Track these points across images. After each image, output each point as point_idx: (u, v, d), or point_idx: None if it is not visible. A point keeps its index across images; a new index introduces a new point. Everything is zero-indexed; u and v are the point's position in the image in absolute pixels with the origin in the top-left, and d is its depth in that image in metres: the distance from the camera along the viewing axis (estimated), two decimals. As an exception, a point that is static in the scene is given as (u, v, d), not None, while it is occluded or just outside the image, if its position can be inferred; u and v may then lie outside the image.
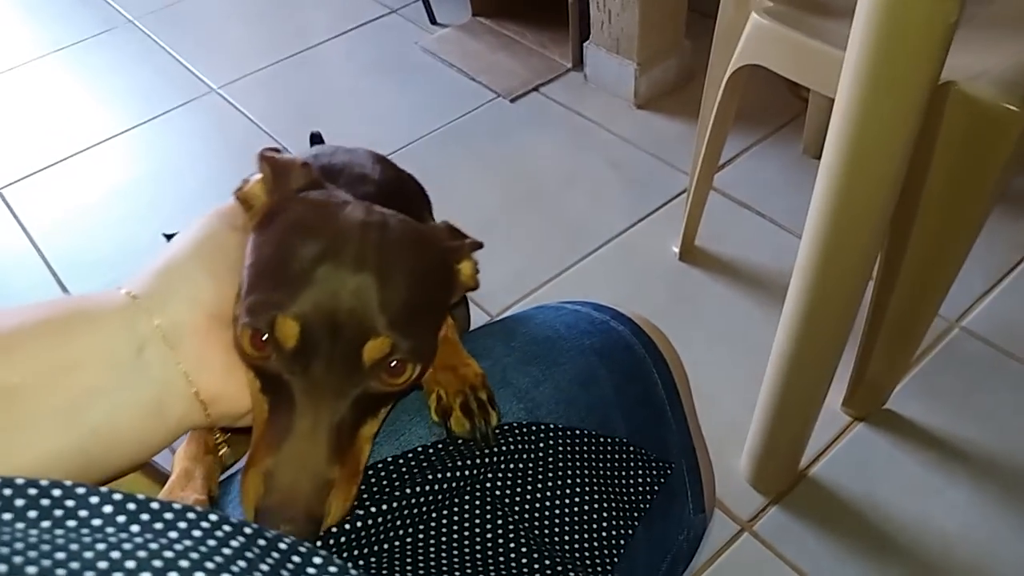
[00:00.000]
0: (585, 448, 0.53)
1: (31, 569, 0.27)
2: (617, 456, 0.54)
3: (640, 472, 0.55)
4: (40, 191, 1.86)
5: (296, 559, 0.34)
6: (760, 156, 1.73)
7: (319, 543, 0.45)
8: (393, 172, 0.81)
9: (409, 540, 0.48)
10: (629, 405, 0.58)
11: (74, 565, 0.28)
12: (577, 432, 0.53)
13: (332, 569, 0.33)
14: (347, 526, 0.46)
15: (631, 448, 0.55)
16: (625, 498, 0.54)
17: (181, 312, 0.44)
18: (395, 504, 0.47)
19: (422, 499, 0.48)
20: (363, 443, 0.46)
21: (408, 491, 0.47)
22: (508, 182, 1.74)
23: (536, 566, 0.48)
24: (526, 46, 2.08)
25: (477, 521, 0.49)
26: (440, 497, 0.49)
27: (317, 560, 0.34)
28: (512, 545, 0.49)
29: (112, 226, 1.75)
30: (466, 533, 0.49)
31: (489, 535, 0.49)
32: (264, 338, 0.43)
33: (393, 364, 0.44)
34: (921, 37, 0.69)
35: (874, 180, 0.80)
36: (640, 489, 0.55)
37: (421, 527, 0.49)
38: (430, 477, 0.48)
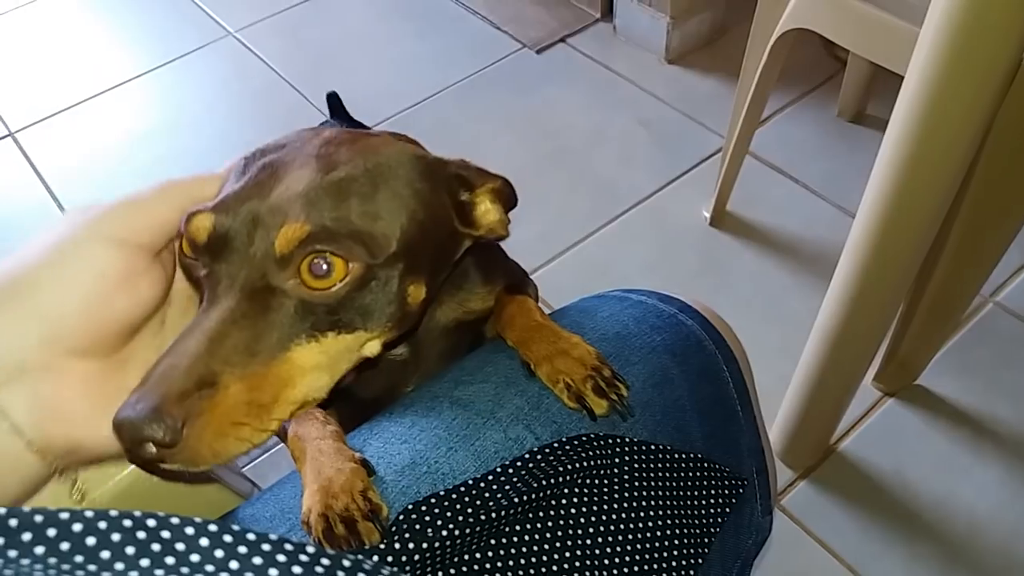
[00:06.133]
0: (661, 466, 0.51)
1: None
2: (693, 474, 0.53)
3: (715, 490, 0.53)
4: (55, 135, 1.81)
5: None
6: (794, 118, 1.69)
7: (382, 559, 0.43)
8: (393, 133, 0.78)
9: (479, 556, 0.46)
10: (703, 407, 0.56)
11: None
12: (654, 447, 0.51)
13: None
14: (424, 545, 0.43)
15: (707, 465, 0.53)
16: (699, 520, 0.52)
17: (28, 354, 0.37)
18: (467, 529, 0.44)
19: (496, 521, 0.45)
20: (291, 369, 0.39)
21: (483, 516, 0.45)
22: (533, 138, 1.70)
23: None
24: (553, -6, 2.02)
25: (547, 545, 0.47)
26: (516, 515, 0.46)
27: None
28: (588, 563, 0.47)
29: (129, 173, 1.71)
30: (534, 559, 0.47)
31: (555, 563, 0.47)
32: (188, 241, 0.40)
33: (314, 259, 0.39)
34: (1008, 12, 0.65)
35: (944, 161, 0.77)
36: (715, 510, 0.53)
37: (493, 542, 0.46)
38: (512, 496, 0.46)
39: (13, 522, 0.28)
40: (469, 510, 0.44)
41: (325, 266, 0.39)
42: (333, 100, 1.25)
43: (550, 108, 1.76)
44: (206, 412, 0.35)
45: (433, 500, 0.44)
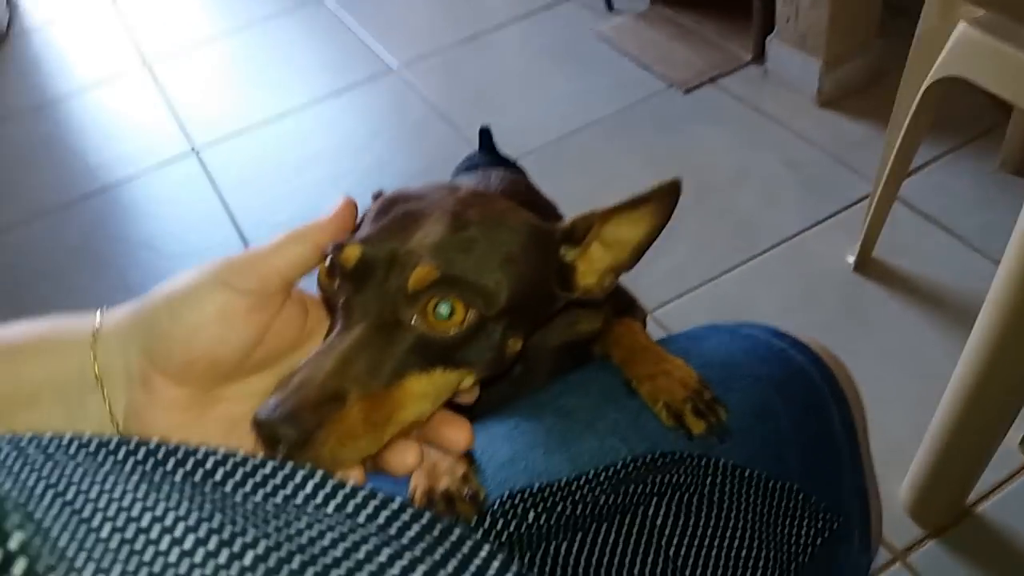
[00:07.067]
0: (753, 491, 0.52)
1: (290, 553, 0.29)
2: (785, 503, 0.53)
3: (807, 522, 0.54)
4: (231, 153, 2.00)
5: (465, 550, 0.34)
6: (951, 167, 1.62)
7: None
8: (527, 190, 0.82)
9: (564, 548, 0.49)
10: (804, 442, 0.57)
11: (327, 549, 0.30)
12: (747, 473, 0.52)
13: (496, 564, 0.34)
14: (514, 528, 0.47)
15: (801, 496, 0.54)
16: (786, 547, 0.53)
17: (133, 363, 0.42)
18: (557, 520, 0.47)
19: (584, 517, 0.48)
20: (404, 395, 0.44)
21: (570, 510, 0.48)
22: (674, 174, 1.69)
23: None
24: (704, 37, 2.03)
25: (630, 549, 0.49)
26: (604, 514, 0.49)
27: (484, 552, 0.35)
28: (669, 572, 0.49)
29: (295, 191, 1.86)
30: (616, 559, 0.49)
31: (637, 567, 0.49)
32: (335, 270, 0.45)
33: (439, 301, 0.44)
34: None
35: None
36: (803, 540, 0.53)
37: (579, 537, 0.49)
38: (599, 498, 0.49)
39: (161, 452, 0.34)
40: (559, 505, 0.47)
41: (447, 309, 0.44)
42: (485, 135, 1.31)
43: (695, 146, 1.77)
44: (333, 423, 0.40)
45: (527, 492, 0.47)
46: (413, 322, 0.44)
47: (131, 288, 1.71)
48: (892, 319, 1.39)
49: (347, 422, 0.40)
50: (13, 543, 0.24)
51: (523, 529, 0.47)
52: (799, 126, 1.76)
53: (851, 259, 1.47)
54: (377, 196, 0.54)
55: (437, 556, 0.32)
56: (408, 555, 0.32)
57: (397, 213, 0.47)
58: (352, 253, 0.45)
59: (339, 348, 0.42)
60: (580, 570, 0.48)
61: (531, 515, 0.46)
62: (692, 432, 0.51)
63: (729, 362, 0.58)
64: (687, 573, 0.49)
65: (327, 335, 0.45)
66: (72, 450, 0.33)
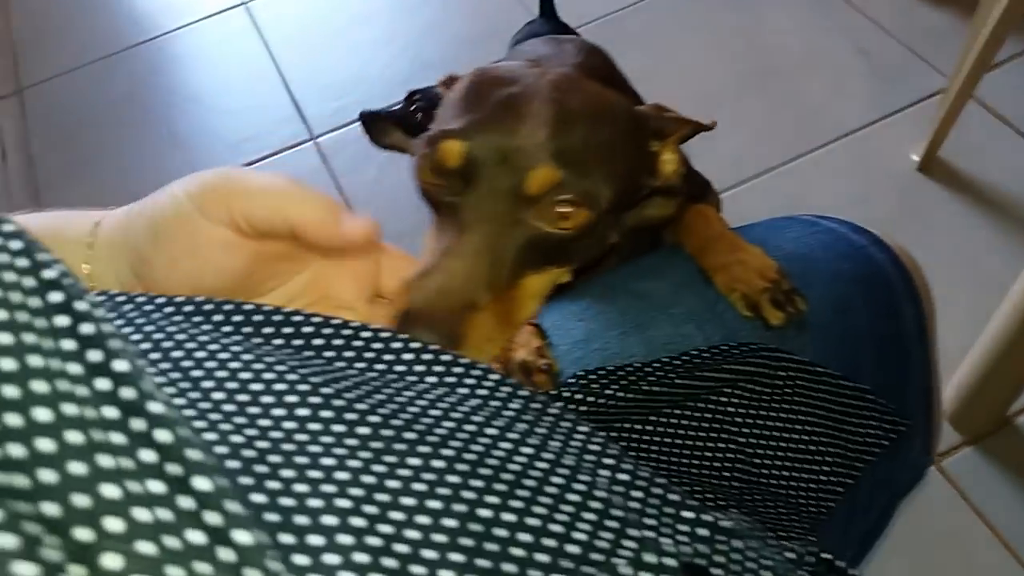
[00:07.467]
0: (825, 388, 0.52)
1: (405, 422, 0.29)
2: (856, 403, 0.53)
3: (875, 423, 0.53)
4: (281, 6, 1.93)
5: (566, 424, 0.34)
6: (1035, 66, 1.53)
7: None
8: (604, 64, 0.78)
9: (638, 428, 0.49)
10: (878, 341, 0.56)
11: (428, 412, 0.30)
12: (820, 369, 0.52)
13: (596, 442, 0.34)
14: (590, 400, 0.47)
15: (871, 398, 0.53)
16: (852, 445, 0.53)
17: (122, 273, 0.40)
18: (630, 395, 0.48)
19: (659, 397, 0.49)
20: (524, 295, 0.45)
21: (645, 387, 0.48)
22: (739, 55, 1.64)
23: (747, 497, 0.49)
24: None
25: (702, 434, 0.50)
26: (676, 398, 0.49)
27: (583, 429, 0.35)
28: (728, 466, 0.49)
29: (346, 51, 1.80)
30: (688, 442, 0.50)
31: (708, 451, 0.49)
32: (434, 164, 0.44)
33: (561, 203, 0.43)
34: None
35: None
36: (871, 440, 0.53)
37: (651, 419, 0.50)
38: (673, 380, 0.49)
39: (257, 317, 0.34)
40: (633, 384, 0.47)
41: (567, 210, 0.43)
42: (547, 4, 1.26)
43: (762, 26, 1.68)
44: (473, 328, 0.41)
45: (602, 370, 0.48)
46: (531, 223, 0.44)
47: (179, 141, 1.71)
48: (953, 223, 1.35)
49: (483, 327, 0.41)
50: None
51: (597, 407, 0.47)
52: (875, 10, 1.66)
53: (916, 157, 1.42)
54: (448, 82, 0.52)
55: (542, 430, 0.32)
56: (518, 427, 0.32)
57: (494, 101, 0.45)
58: (453, 148, 0.44)
59: (466, 252, 0.42)
60: (651, 452, 0.49)
61: (606, 392, 0.47)
62: (770, 323, 0.50)
63: (808, 255, 0.57)
64: (755, 462, 0.49)
65: (436, 232, 0.45)
66: (168, 310, 0.33)
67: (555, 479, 0.30)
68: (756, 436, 0.50)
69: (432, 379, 0.34)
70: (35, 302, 0.23)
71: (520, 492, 0.28)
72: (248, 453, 0.26)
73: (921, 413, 0.59)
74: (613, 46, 0.90)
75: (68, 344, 0.23)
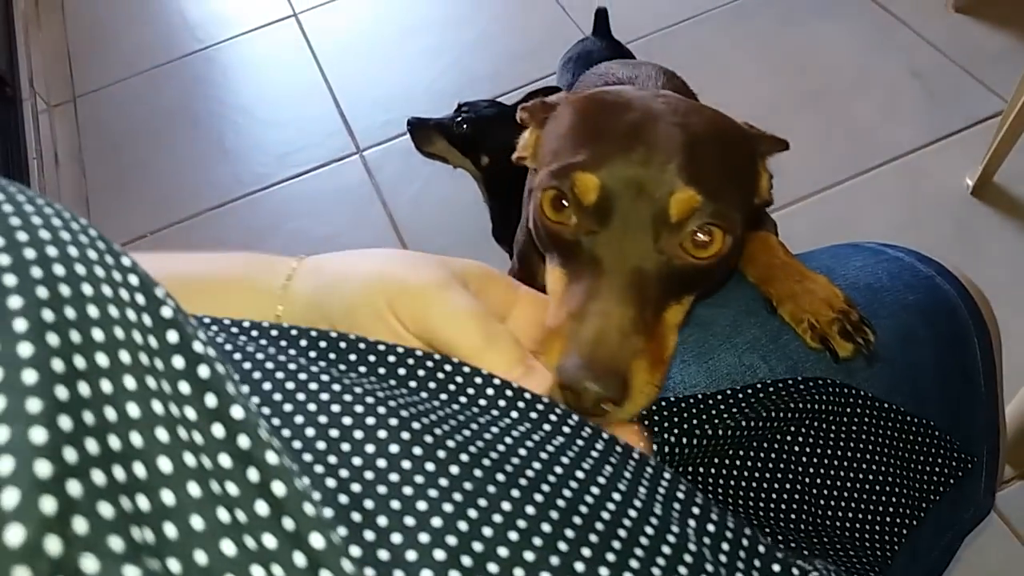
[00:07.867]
0: (891, 425, 0.50)
1: (480, 450, 0.29)
2: (923, 440, 0.51)
3: (942, 462, 0.52)
4: (331, 19, 1.95)
5: (650, 469, 0.33)
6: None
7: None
8: (683, 87, 0.78)
9: (701, 472, 0.48)
10: (945, 373, 0.54)
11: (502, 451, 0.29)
12: (887, 406, 0.50)
13: (658, 473, 0.33)
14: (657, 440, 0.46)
15: (938, 434, 0.52)
16: (919, 484, 0.51)
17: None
18: (695, 440, 0.46)
19: (719, 440, 0.47)
20: (667, 329, 0.43)
21: (708, 431, 0.46)
22: (790, 74, 1.62)
23: (815, 540, 0.47)
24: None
25: (767, 475, 0.48)
26: (740, 439, 0.48)
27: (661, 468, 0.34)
28: (795, 507, 0.48)
29: (395, 63, 1.82)
30: (754, 484, 0.48)
31: (775, 493, 0.48)
32: (564, 200, 0.43)
33: (700, 230, 0.42)
34: None
35: None
36: (937, 479, 0.51)
37: (716, 461, 0.48)
38: (739, 420, 0.47)
39: (342, 344, 0.34)
40: (695, 422, 0.46)
41: (707, 237, 0.42)
42: (601, 17, 1.26)
43: (814, 45, 1.67)
44: (635, 376, 0.40)
45: (663, 403, 0.46)
46: (673, 253, 0.42)
47: (228, 152, 1.73)
48: (1006, 250, 1.32)
49: (644, 371, 0.40)
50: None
51: (664, 448, 0.46)
52: (930, 31, 1.64)
53: (970, 181, 1.39)
54: (536, 110, 0.51)
55: (627, 474, 0.32)
56: (606, 471, 0.31)
57: (618, 129, 0.44)
58: (589, 183, 0.42)
59: (615, 294, 0.41)
60: (716, 495, 0.47)
61: (666, 429, 0.45)
62: (839, 355, 0.49)
63: (875, 285, 0.55)
64: (821, 503, 0.48)
65: (564, 274, 0.44)
66: (254, 333, 0.33)
67: (647, 528, 0.29)
68: (823, 476, 0.48)
69: (515, 414, 0.33)
70: (153, 342, 0.23)
71: (614, 544, 0.27)
72: (343, 499, 0.26)
73: (987, 450, 0.57)
74: (663, 63, 0.89)
75: (184, 387, 0.22)
